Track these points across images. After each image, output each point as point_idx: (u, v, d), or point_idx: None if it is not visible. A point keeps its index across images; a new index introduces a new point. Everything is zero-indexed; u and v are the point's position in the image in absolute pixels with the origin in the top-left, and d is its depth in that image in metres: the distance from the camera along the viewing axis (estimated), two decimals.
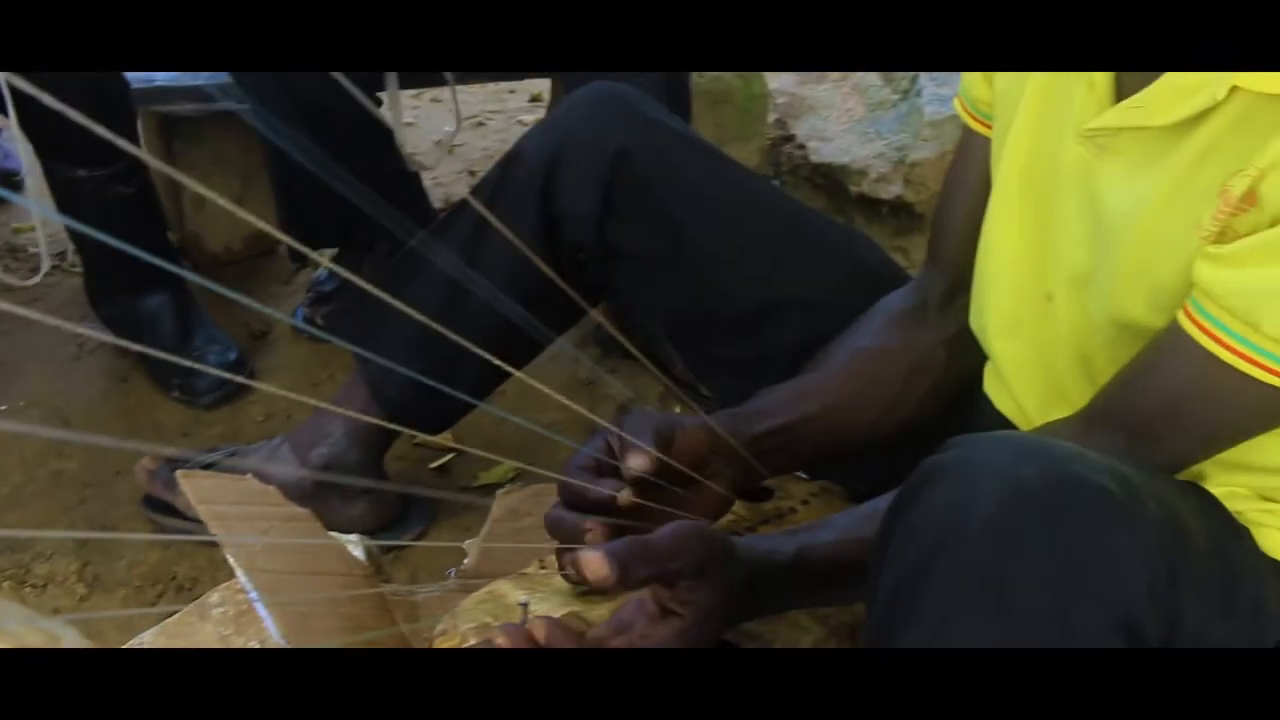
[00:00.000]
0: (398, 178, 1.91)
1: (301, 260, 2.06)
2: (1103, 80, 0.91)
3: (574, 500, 0.95)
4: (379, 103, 1.84)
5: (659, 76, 1.65)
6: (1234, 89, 0.82)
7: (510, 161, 1.24)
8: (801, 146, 2.33)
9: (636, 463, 0.95)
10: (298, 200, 1.89)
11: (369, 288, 0.73)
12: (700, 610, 0.86)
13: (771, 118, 2.45)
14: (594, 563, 0.82)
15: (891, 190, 2.15)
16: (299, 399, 0.81)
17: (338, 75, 1.45)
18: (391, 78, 1.78)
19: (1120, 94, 0.91)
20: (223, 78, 1.82)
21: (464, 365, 1.31)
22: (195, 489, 1.03)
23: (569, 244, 1.23)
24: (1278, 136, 0.80)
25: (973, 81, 1.12)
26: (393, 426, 1.37)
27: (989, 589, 0.71)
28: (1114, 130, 0.90)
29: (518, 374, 0.89)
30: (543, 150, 1.21)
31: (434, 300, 1.31)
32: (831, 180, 2.27)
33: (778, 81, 2.50)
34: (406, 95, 2.51)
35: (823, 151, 2.25)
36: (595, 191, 1.19)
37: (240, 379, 1.83)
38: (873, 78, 2.32)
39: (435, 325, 0.81)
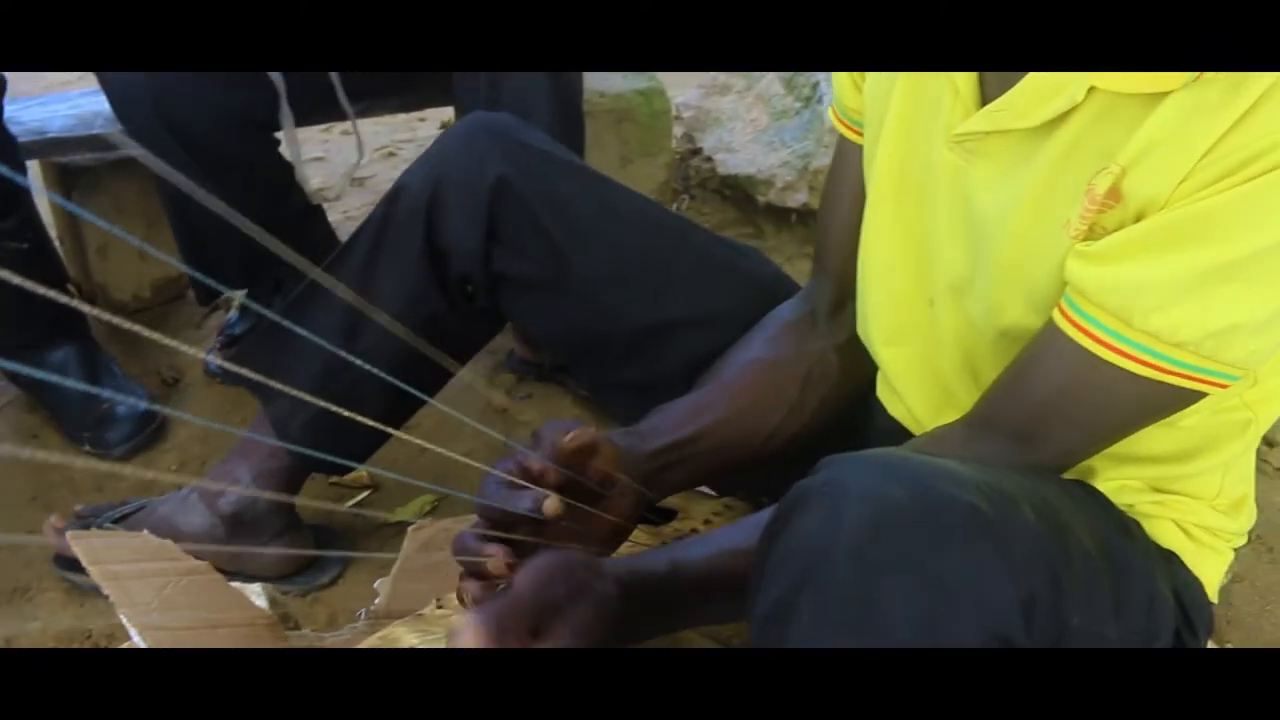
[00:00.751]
0: (302, 216, 1.90)
1: (210, 300, 2.04)
2: (967, 85, 0.92)
3: (494, 520, 0.94)
4: (276, 142, 1.83)
5: (551, 99, 1.66)
6: (1092, 89, 0.83)
7: (393, 198, 1.24)
8: (709, 159, 2.33)
9: (567, 440, 0.93)
10: (201, 244, 1.87)
11: (279, 319, 0.72)
12: (574, 636, 0.86)
13: (679, 131, 2.46)
14: (468, 636, 0.81)
15: (798, 198, 2.16)
16: (218, 427, 0.80)
17: (230, 116, 1.42)
18: (287, 115, 1.77)
19: (985, 98, 0.91)
20: (115, 125, 1.80)
21: (368, 399, 1.31)
22: (86, 550, 1.02)
23: (456, 276, 1.22)
24: (1136, 133, 0.81)
25: (843, 88, 1.12)
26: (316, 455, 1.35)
27: (856, 613, 0.71)
28: (981, 134, 0.91)
29: (430, 400, 0.89)
30: (424, 185, 1.21)
31: (332, 336, 1.30)
32: (739, 191, 2.28)
33: (683, 95, 2.51)
34: (317, 129, 2.50)
35: (729, 163, 2.25)
36: (477, 223, 1.19)
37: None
38: (775, 86, 2.33)
39: (341, 353, 0.80)
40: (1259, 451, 1.68)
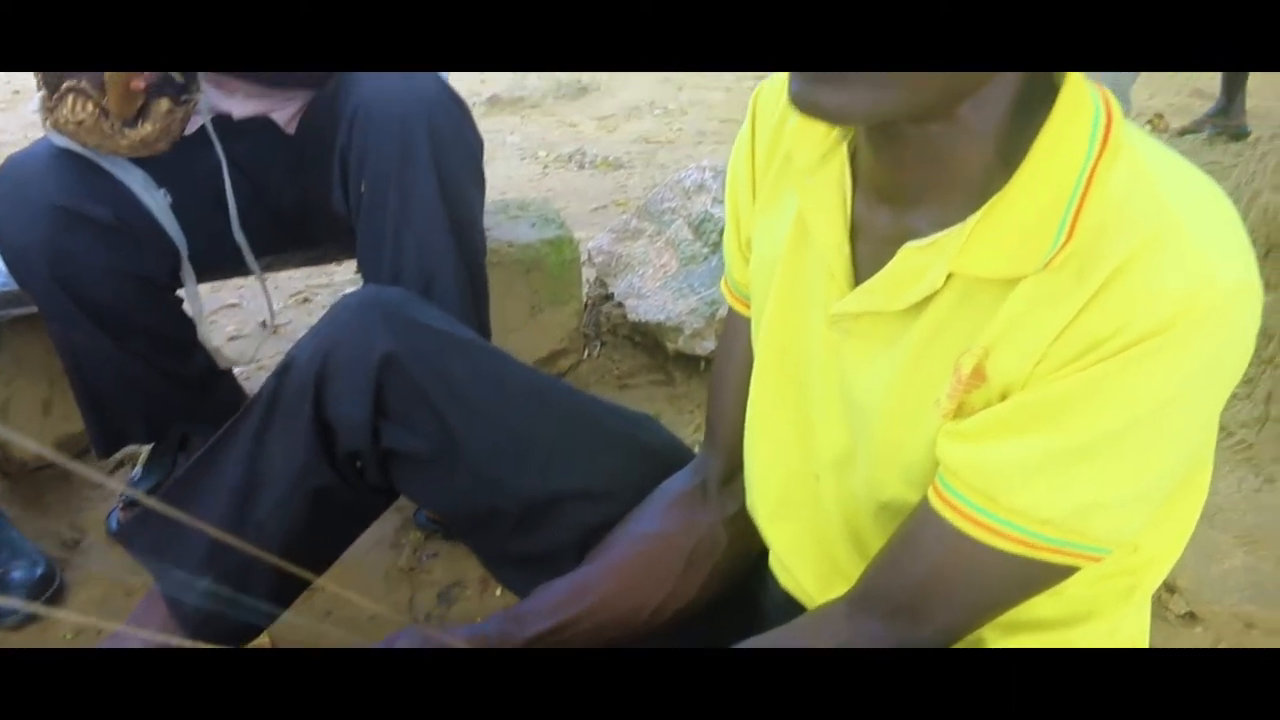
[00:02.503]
0: (207, 373, 1.89)
1: (111, 453, 2.01)
2: (841, 266, 0.94)
3: None
4: (179, 300, 1.82)
5: (454, 257, 1.67)
6: (951, 275, 0.85)
7: (284, 370, 1.23)
8: (619, 305, 2.35)
9: None
10: (101, 401, 1.84)
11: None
12: None
13: (591, 275, 2.48)
14: None
15: (706, 345, 2.18)
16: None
17: (128, 277, 1.40)
18: (189, 275, 1.76)
19: (859, 278, 0.93)
20: (11, 285, 1.78)
21: (261, 572, 1.29)
22: None
23: (345, 451, 1.22)
24: (995, 316, 0.83)
25: (733, 261, 1.14)
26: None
27: None
28: (854, 315, 0.93)
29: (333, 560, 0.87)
30: (312, 359, 1.20)
31: (224, 510, 1.29)
32: (649, 338, 2.30)
33: (595, 239, 2.54)
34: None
35: (639, 309, 2.27)
36: (365, 398, 1.18)
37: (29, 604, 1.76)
38: (685, 231, 2.36)
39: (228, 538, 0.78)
40: (1160, 598, 1.69)
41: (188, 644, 1.37)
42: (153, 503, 1.35)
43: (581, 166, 3.70)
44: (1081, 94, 0.85)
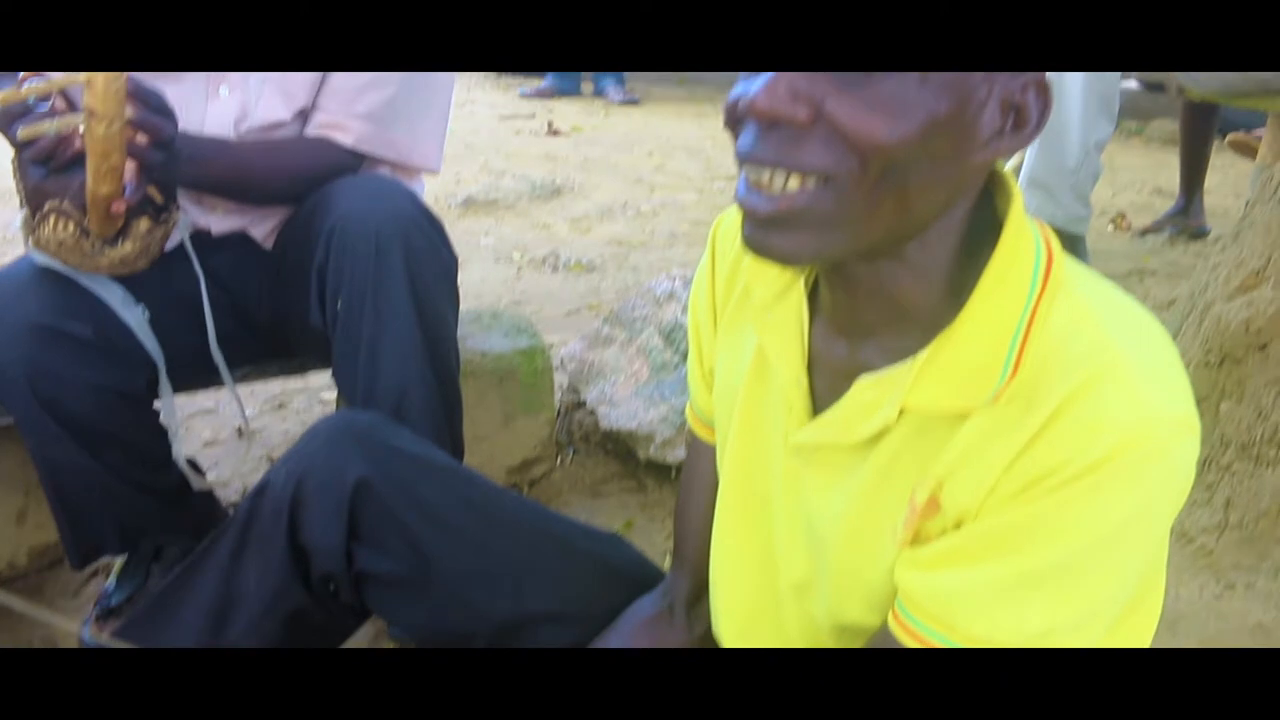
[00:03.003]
0: (183, 484, 1.90)
1: (86, 563, 2.01)
2: (800, 398, 0.97)
3: None
4: (155, 412, 1.84)
5: (427, 373, 1.70)
6: (904, 410, 0.89)
7: (259, 493, 1.26)
8: (592, 412, 2.38)
9: None
10: (76, 513, 1.85)
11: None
12: None
13: (563, 381, 2.51)
14: None
15: (677, 454, 2.21)
16: None
17: (106, 392, 1.43)
18: (166, 387, 1.79)
19: (817, 409, 0.97)
20: None
21: None
22: None
23: (320, 573, 1.24)
24: (947, 449, 0.87)
25: (697, 388, 1.18)
26: None
27: None
28: (813, 446, 0.96)
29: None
30: (287, 483, 1.23)
31: (198, 629, 1.30)
32: (621, 445, 2.33)
33: (567, 347, 2.58)
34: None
35: (611, 417, 2.30)
36: (338, 523, 1.21)
37: None
38: (655, 339, 2.40)
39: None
40: None
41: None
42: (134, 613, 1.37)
43: (555, 269, 3.75)
44: (1023, 232, 0.89)
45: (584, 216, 4.37)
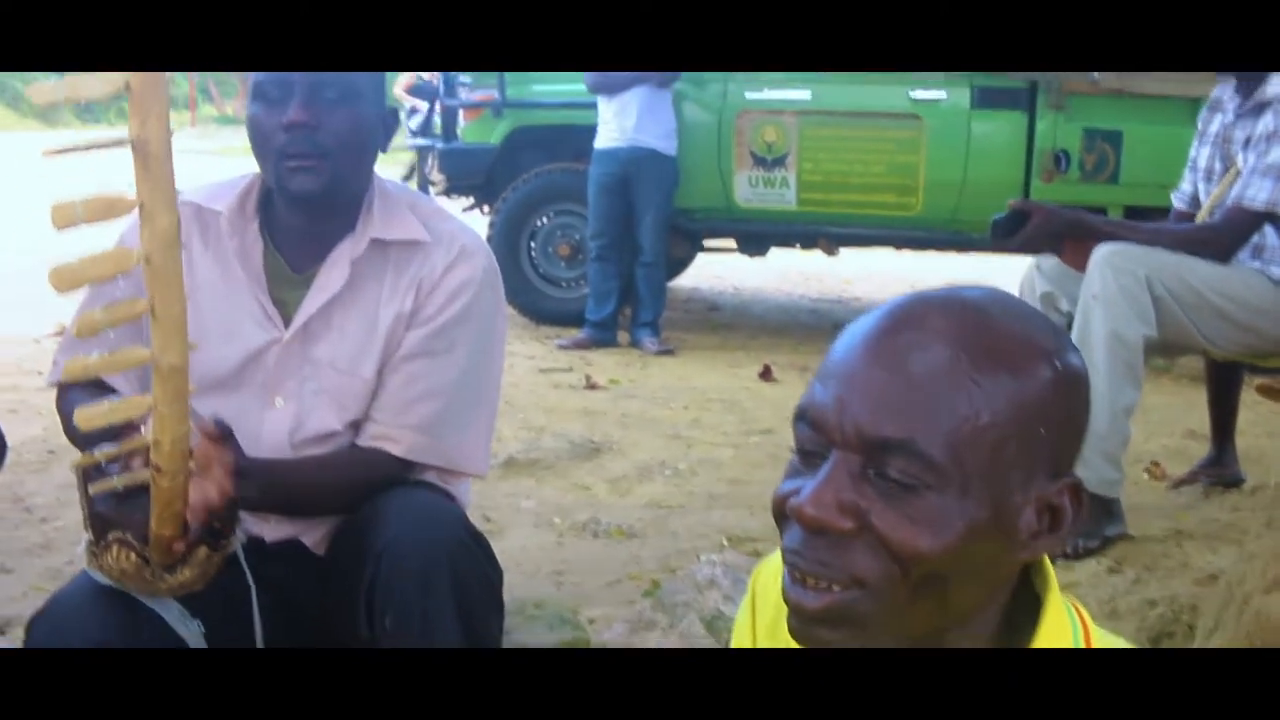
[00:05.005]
0: None
1: None
2: None
3: None
4: None
5: None
6: None
7: None
8: None
9: None
10: None
11: None
12: None
13: None
14: None
15: None
16: None
17: None
18: None
19: None
20: None
21: None
22: None
23: None
24: None
25: None
26: None
27: None
28: None
29: None
30: None
31: None
32: None
33: (610, 630, 2.60)
34: None
35: None
36: None
37: None
38: (698, 628, 2.43)
39: None
40: None
41: None
42: None
43: (595, 535, 3.80)
44: (1060, 614, 0.94)
45: (623, 477, 4.44)
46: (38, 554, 3.57)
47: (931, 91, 6.64)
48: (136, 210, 1.13)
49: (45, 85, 1.02)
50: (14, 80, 37.01)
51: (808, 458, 0.94)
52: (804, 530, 0.90)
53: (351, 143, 1.91)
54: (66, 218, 1.10)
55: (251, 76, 1.90)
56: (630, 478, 4.44)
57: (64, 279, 1.14)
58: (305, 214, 1.95)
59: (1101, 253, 3.24)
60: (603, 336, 6.83)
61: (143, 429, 1.45)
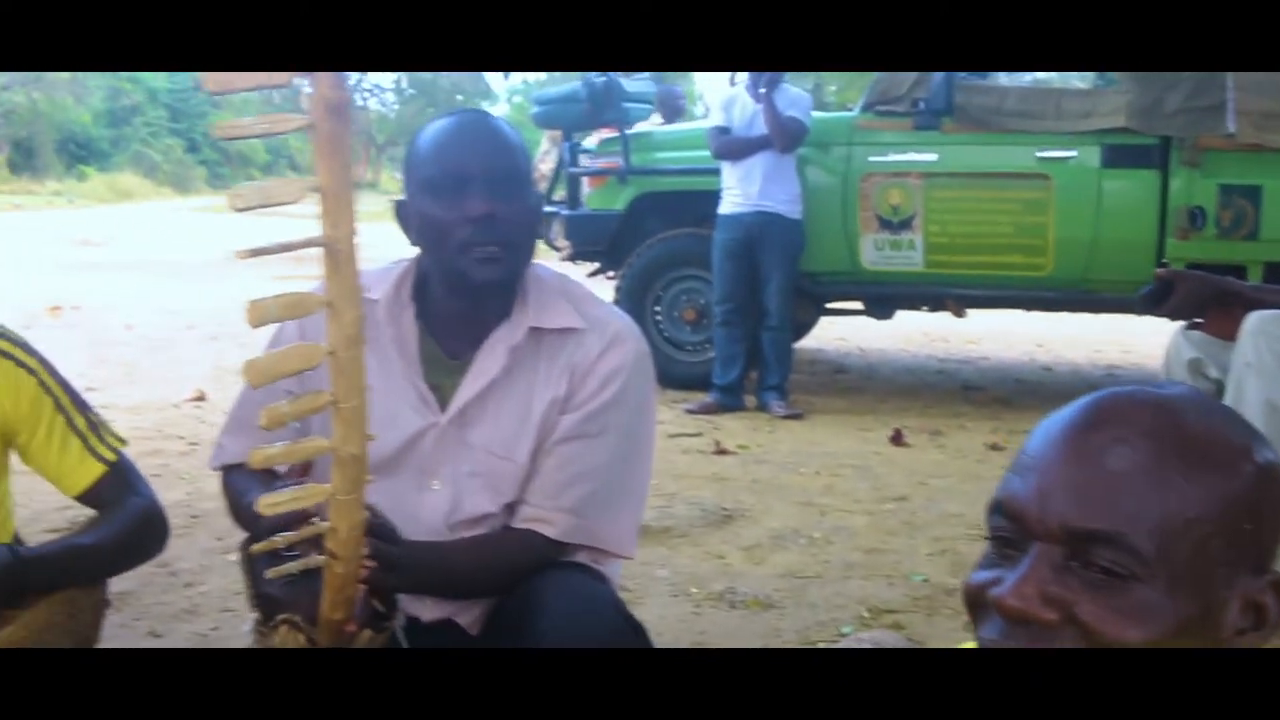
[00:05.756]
0: None
1: None
2: None
3: None
4: None
5: None
6: None
7: None
8: None
9: None
10: None
11: None
12: None
13: None
14: None
15: None
16: None
17: None
18: None
19: None
20: None
21: None
22: None
23: None
24: None
25: None
26: None
27: None
28: None
29: None
30: None
31: None
32: None
33: None
34: None
35: None
36: None
37: None
38: None
39: None
40: None
41: None
42: None
43: (732, 605, 3.78)
44: None
45: (757, 545, 4.41)
46: (184, 619, 3.66)
47: (1060, 151, 6.56)
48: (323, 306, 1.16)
49: (242, 190, 1.05)
50: (150, 152, 38.47)
51: (1003, 548, 0.95)
52: (1005, 621, 0.90)
53: (527, 231, 2.00)
54: (260, 315, 1.13)
55: (415, 168, 1.95)
56: (764, 545, 4.41)
57: (257, 373, 1.17)
58: (472, 301, 1.99)
59: (1253, 320, 3.15)
60: (730, 401, 6.83)
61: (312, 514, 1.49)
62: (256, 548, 1.43)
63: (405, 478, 1.98)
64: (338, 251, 1.12)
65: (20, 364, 2.05)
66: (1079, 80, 7.42)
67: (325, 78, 1.02)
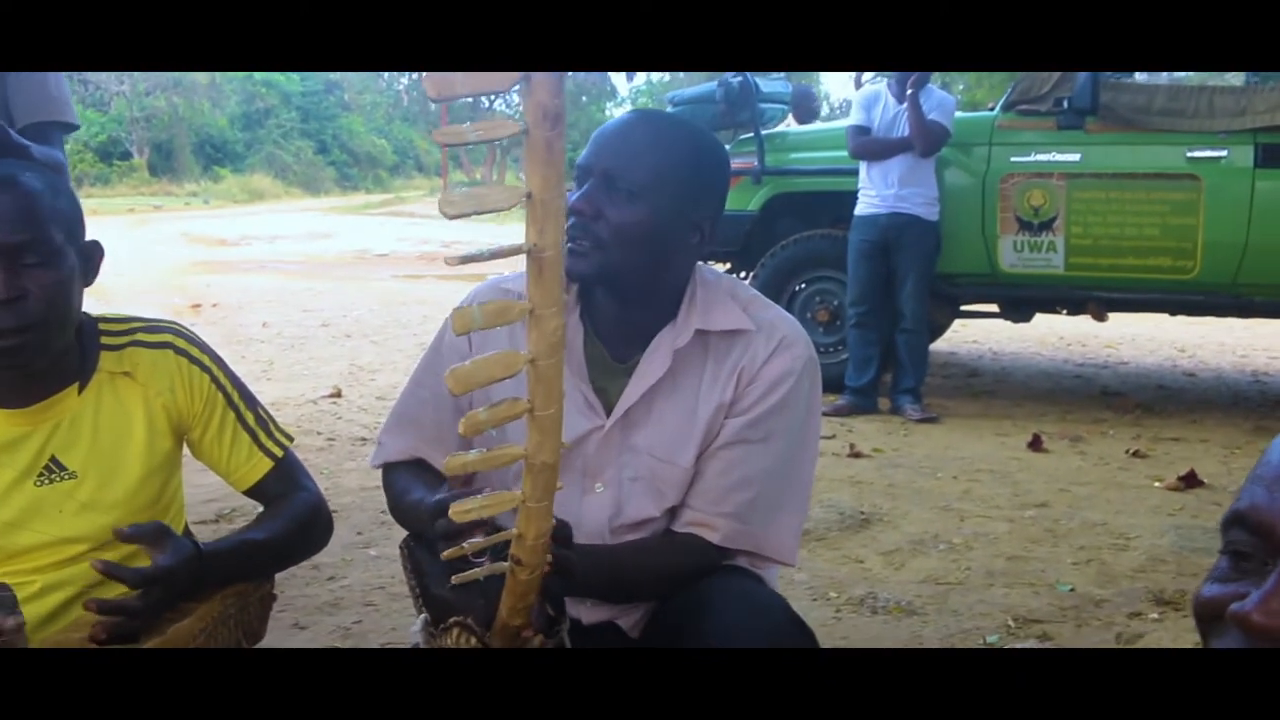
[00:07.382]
0: None
1: None
2: None
3: None
4: None
5: None
6: None
7: None
8: None
9: None
10: None
11: None
12: None
13: None
14: None
15: None
16: None
17: None
18: None
19: None
20: None
21: None
22: None
23: None
24: None
25: None
26: None
27: None
28: None
29: None
30: None
31: None
32: None
33: None
34: None
35: None
36: None
37: None
38: None
39: None
40: None
41: None
42: None
43: (874, 611, 3.74)
44: None
45: (895, 550, 4.36)
46: (328, 612, 3.73)
47: (1211, 150, 6.38)
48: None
49: (453, 197, 1.06)
50: (281, 153, 39.33)
51: (1241, 562, 0.91)
52: (1248, 638, 0.86)
53: (631, 236, 1.90)
54: (466, 322, 1.15)
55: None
56: (904, 550, 4.36)
57: (460, 381, 1.18)
58: (618, 302, 1.98)
59: None
60: (864, 403, 6.77)
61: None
62: (446, 555, 1.44)
63: (568, 481, 1.99)
64: (543, 259, 1.12)
65: (194, 361, 2.11)
66: (1231, 78, 7.20)
67: (542, 84, 1.03)
